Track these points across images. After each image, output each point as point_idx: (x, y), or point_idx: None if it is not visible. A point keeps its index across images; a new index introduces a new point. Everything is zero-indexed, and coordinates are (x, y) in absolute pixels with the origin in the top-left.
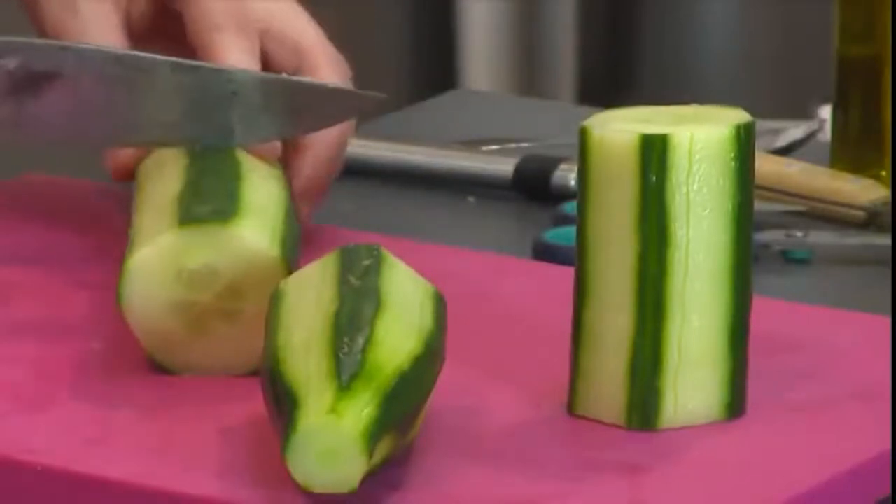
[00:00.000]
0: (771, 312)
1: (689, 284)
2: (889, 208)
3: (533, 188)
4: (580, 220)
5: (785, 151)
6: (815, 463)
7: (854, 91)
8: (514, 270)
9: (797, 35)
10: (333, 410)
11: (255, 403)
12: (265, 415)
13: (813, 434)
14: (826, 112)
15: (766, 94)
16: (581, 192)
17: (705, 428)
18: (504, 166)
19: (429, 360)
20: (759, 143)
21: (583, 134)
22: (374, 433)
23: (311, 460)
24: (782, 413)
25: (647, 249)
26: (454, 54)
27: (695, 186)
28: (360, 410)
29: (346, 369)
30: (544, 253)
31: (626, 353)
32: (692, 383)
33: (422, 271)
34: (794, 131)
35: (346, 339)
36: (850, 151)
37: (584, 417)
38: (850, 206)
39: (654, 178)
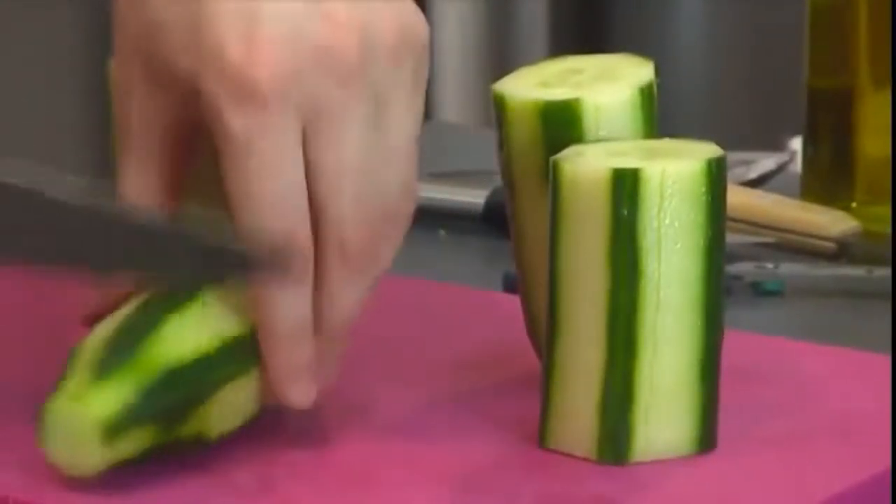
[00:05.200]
0: (742, 345)
1: (660, 318)
2: (859, 240)
3: (504, 221)
4: (551, 254)
5: (757, 183)
6: (787, 497)
7: (824, 123)
8: (484, 303)
9: (769, 67)
10: (78, 397)
11: None
12: None
13: (784, 468)
14: (797, 144)
15: (738, 126)
16: (552, 227)
17: (676, 462)
18: (475, 199)
19: (222, 359)
20: (731, 175)
21: (554, 168)
22: (119, 422)
23: (57, 443)
24: (753, 447)
25: (619, 283)
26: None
27: (666, 220)
28: (107, 399)
29: (113, 357)
30: (515, 286)
31: (598, 386)
32: (663, 417)
33: (393, 305)
34: (766, 163)
35: (129, 326)
36: (820, 183)
37: (555, 451)
38: (821, 237)
39: (625, 213)
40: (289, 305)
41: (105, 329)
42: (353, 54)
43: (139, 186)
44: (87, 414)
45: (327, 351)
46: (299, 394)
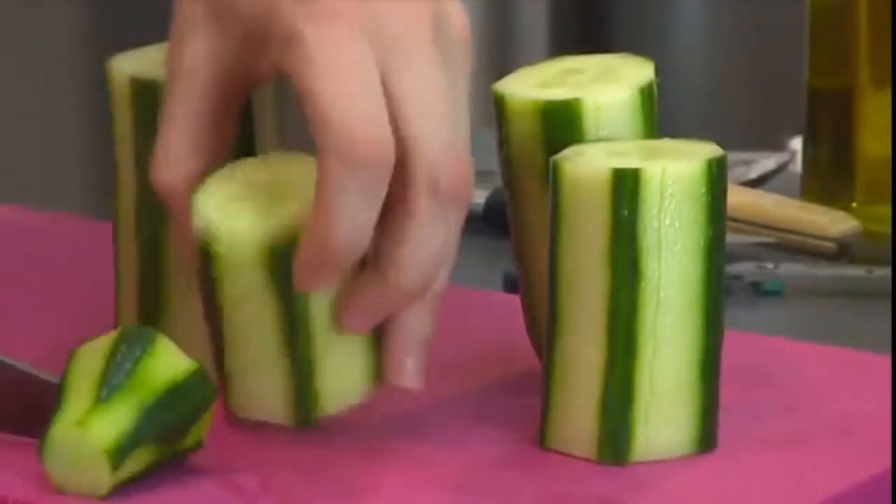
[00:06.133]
0: (742, 345)
1: (660, 318)
2: (859, 240)
3: (504, 221)
4: (551, 254)
5: (757, 183)
6: (787, 497)
7: (824, 123)
8: (484, 303)
9: (769, 67)
10: (82, 423)
11: None
12: None
13: (784, 468)
14: (797, 144)
15: (738, 126)
16: (552, 226)
17: (676, 462)
18: (475, 199)
19: (208, 376)
20: (731, 175)
21: (554, 168)
22: (124, 446)
23: (61, 465)
24: (753, 447)
25: (619, 283)
26: None
27: (666, 221)
28: (111, 424)
29: (111, 379)
30: (515, 286)
31: (598, 386)
32: (663, 417)
33: None
34: (766, 163)
35: (123, 347)
36: (820, 183)
37: (555, 451)
38: (821, 237)
39: (625, 213)
40: (352, 212)
41: (99, 343)
42: (424, 25)
43: (177, 137)
44: (92, 441)
45: (416, 315)
46: (353, 323)
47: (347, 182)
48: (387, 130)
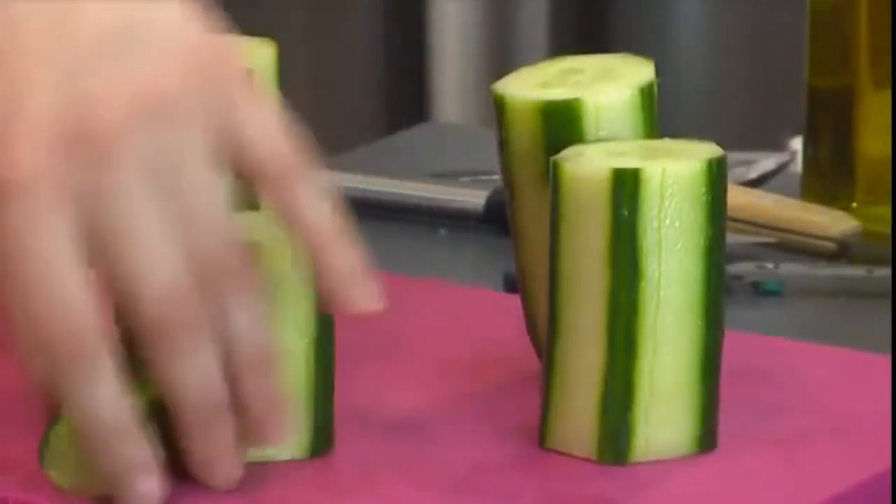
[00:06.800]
0: (742, 345)
1: (660, 318)
2: (859, 240)
3: (504, 221)
4: (551, 254)
5: (757, 183)
6: (787, 497)
7: (824, 123)
8: (485, 303)
9: (769, 67)
10: None
11: None
12: None
13: (784, 468)
14: (798, 144)
15: (738, 126)
16: (552, 226)
17: (677, 461)
18: (475, 199)
19: None
20: (731, 175)
21: (554, 168)
22: None
23: (61, 465)
24: (754, 446)
25: (619, 283)
26: (426, 87)
27: (666, 221)
28: None
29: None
30: (515, 286)
31: (598, 386)
32: (664, 417)
33: (393, 304)
34: (766, 163)
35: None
36: (820, 183)
37: (555, 451)
38: (821, 237)
39: (625, 213)
40: (101, 402)
41: None
42: (108, 131)
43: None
44: None
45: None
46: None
47: (65, 377)
48: (80, 319)
